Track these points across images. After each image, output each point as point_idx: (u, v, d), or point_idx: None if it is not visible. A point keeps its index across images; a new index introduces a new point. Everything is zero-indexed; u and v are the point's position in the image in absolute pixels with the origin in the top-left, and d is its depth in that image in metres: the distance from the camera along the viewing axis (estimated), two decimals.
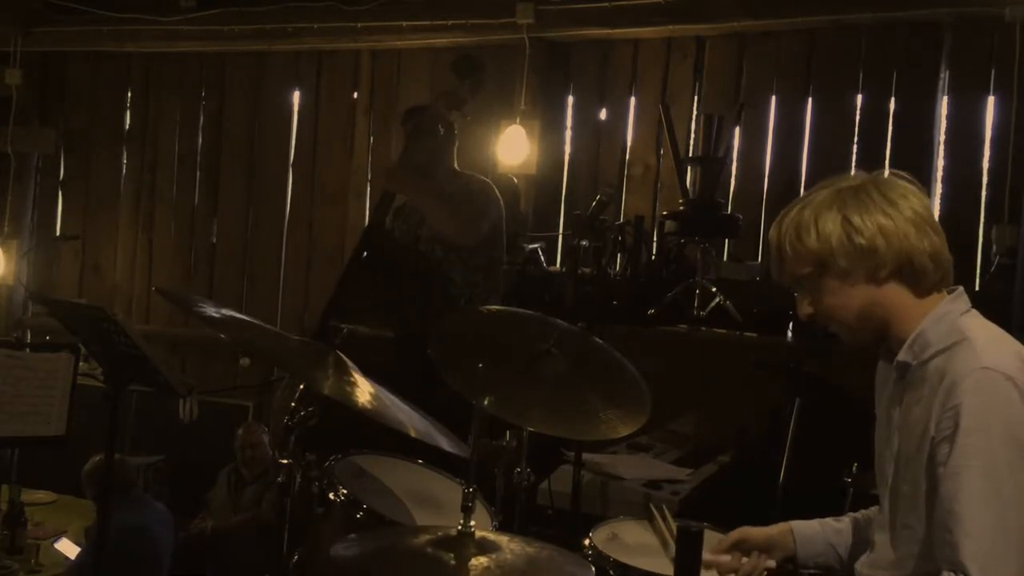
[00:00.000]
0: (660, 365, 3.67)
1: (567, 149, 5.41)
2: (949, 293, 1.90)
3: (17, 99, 6.24)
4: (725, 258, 4.74)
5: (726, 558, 2.12)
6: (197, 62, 6.26)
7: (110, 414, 2.80)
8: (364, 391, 2.23)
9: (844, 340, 1.95)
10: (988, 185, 4.52)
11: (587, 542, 2.33)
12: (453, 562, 1.80)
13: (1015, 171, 4.39)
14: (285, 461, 2.34)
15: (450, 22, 5.29)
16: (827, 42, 4.84)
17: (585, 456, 3.11)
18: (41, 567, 4.40)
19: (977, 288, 4.36)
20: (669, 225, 4.36)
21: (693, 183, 4.47)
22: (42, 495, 5.12)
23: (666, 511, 2.46)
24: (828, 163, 4.71)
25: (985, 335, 1.83)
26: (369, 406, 2.17)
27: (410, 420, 2.27)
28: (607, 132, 5.32)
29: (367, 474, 2.58)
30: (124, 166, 6.52)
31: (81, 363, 3.05)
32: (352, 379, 2.27)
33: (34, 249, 6.52)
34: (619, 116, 5.30)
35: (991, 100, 4.52)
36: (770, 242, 1.95)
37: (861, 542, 2.11)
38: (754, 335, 4.14)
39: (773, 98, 4.94)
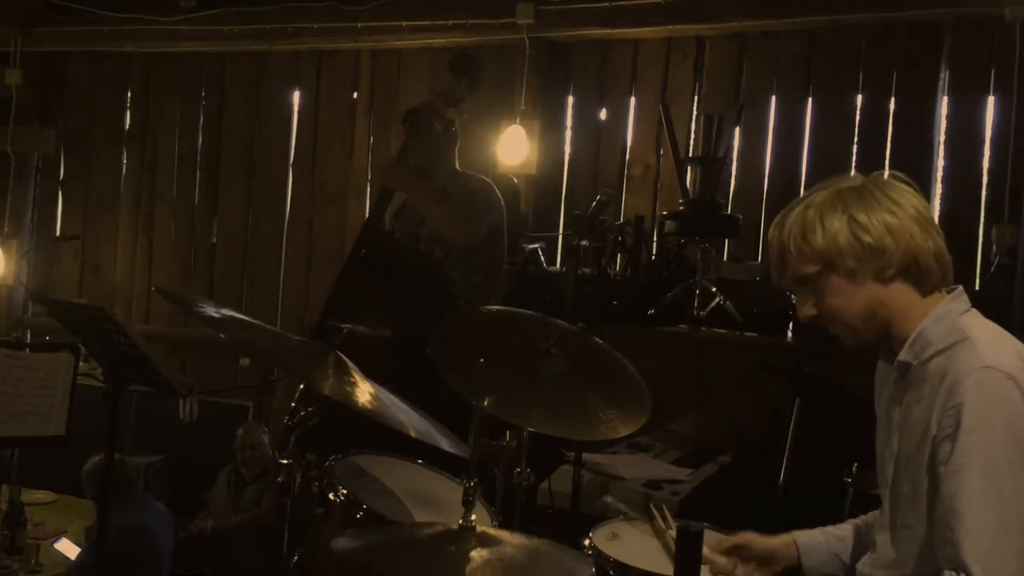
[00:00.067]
0: (660, 365, 3.66)
1: (567, 149, 5.41)
2: (948, 293, 1.90)
3: (17, 99, 6.24)
4: (725, 258, 4.74)
5: (723, 560, 2.11)
6: (197, 62, 6.26)
7: (110, 414, 2.80)
8: (364, 391, 2.23)
9: (845, 341, 1.94)
10: (988, 185, 4.52)
11: (587, 542, 2.32)
12: (454, 554, 1.80)
13: (1015, 171, 4.39)
14: (285, 461, 2.33)
15: (450, 22, 5.29)
16: (827, 42, 4.84)
17: (585, 456, 3.09)
18: (41, 567, 4.40)
19: (977, 288, 4.36)
20: (669, 225, 4.36)
21: (693, 183, 4.47)
22: (42, 495, 5.13)
23: (666, 511, 2.46)
24: (828, 163, 4.71)
25: (986, 334, 1.84)
26: (369, 406, 2.17)
27: (410, 420, 2.26)
28: (607, 132, 5.32)
29: (367, 474, 2.57)
30: (124, 166, 6.52)
31: (81, 363, 3.05)
32: (352, 379, 2.26)
33: (34, 249, 6.51)
34: (619, 116, 5.30)
35: (991, 100, 4.52)
36: (771, 243, 1.93)
37: (863, 549, 2.09)
38: (754, 335, 4.15)
39: (773, 98, 4.94)
